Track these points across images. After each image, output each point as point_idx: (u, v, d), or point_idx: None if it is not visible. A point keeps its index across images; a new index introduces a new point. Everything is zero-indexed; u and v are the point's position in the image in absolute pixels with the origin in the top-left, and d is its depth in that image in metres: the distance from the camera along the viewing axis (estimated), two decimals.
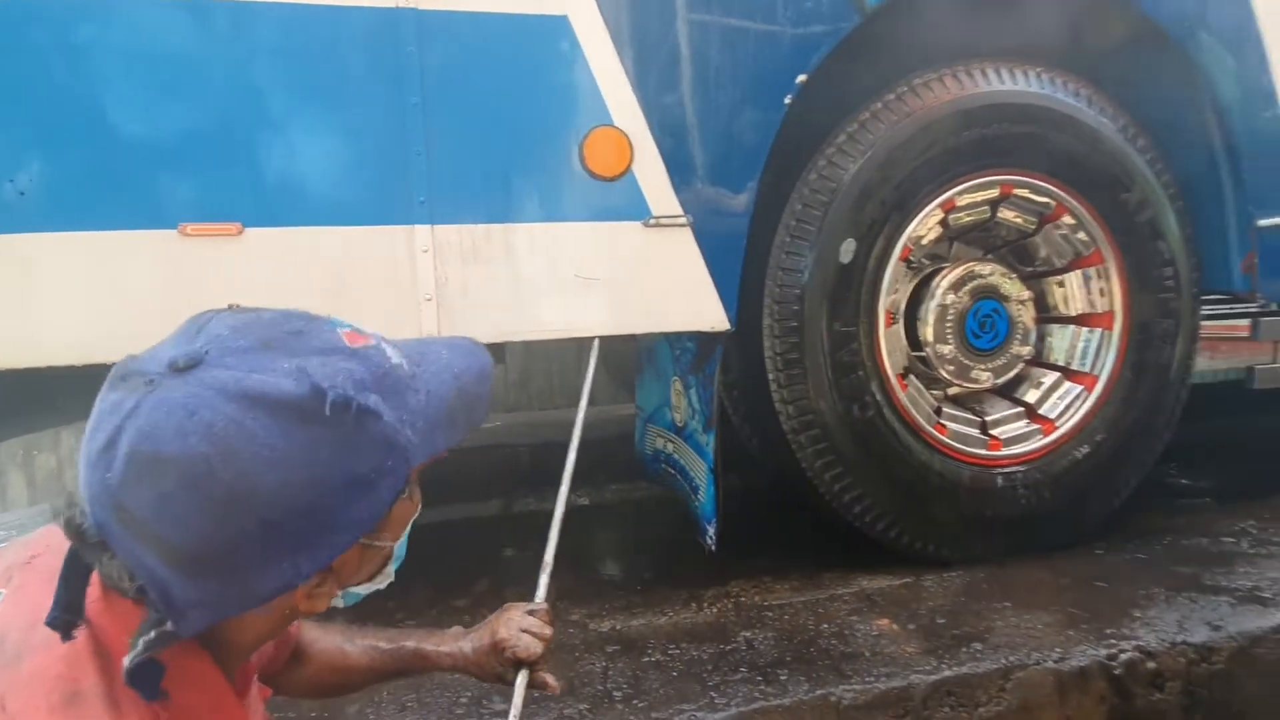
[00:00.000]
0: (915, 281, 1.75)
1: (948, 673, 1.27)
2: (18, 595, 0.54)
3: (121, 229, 1.28)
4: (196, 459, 0.47)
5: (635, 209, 1.47)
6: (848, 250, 1.59)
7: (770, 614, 1.53)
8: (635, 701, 1.22)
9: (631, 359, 3.04)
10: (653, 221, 1.47)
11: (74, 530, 0.51)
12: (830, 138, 1.60)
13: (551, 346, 4.42)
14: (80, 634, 0.51)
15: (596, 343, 2.01)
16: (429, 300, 1.40)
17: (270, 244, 1.33)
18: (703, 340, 1.66)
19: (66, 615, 0.50)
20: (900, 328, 1.72)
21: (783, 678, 1.27)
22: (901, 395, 1.66)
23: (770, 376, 1.62)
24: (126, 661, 0.49)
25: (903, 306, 1.72)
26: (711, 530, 1.63)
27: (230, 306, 0.56)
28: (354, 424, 0.52)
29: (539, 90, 1.43)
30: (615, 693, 1.25)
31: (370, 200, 1.37)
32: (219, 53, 1.30)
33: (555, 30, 1.41)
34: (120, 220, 1.28)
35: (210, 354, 0.50)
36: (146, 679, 0.50)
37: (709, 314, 1.52)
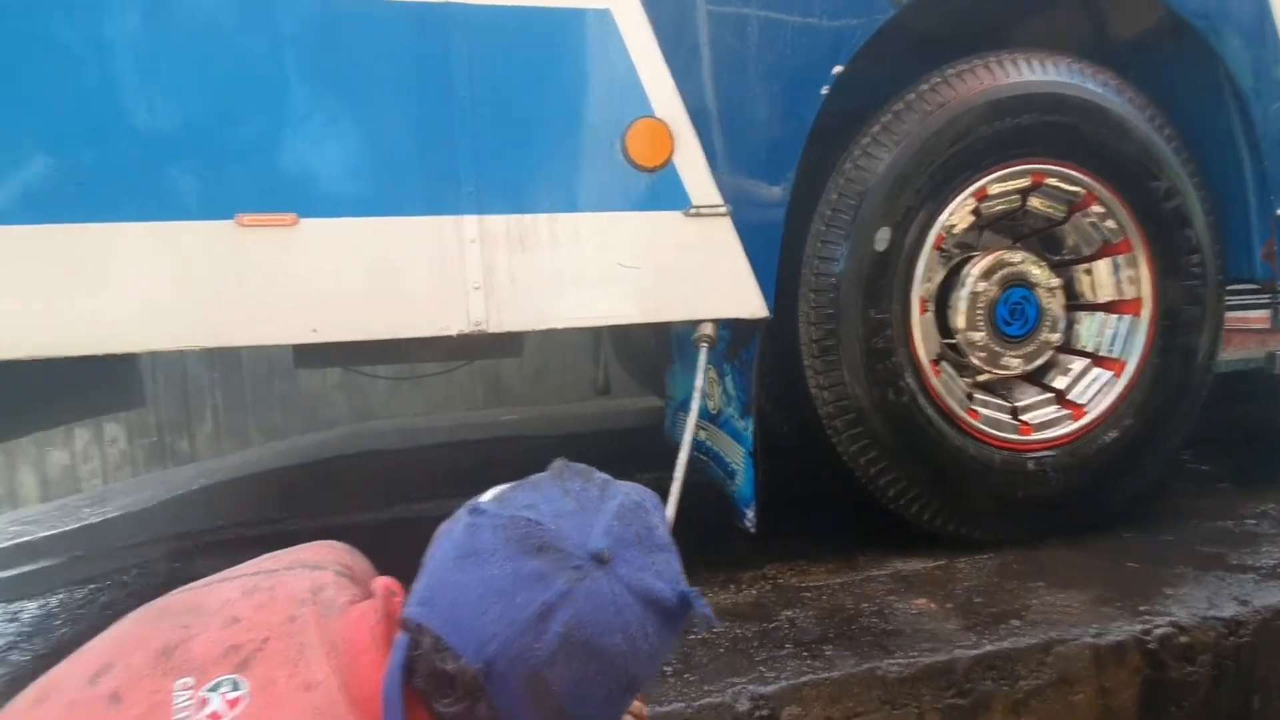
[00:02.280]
0: (946, 270, 1.78)
1: (989, 647, 1.31)
2: (270, 693, 0.56)
3: (180, 219, 1.31)
4: (617, 655, 0.59)
5: (675, 198, 1.50)
6: (883, 238, 1.61)
7: (808, 594, 1.57)
8: (686, 675, 1.26)
9: (648, 352, 3.08)
10: (693, 211, 1.50)
11: (437, 669, 0.57)
12: (865, 127, 1.63)
13: (568, 341, 4.45)
14: None
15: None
16: (477, 289, 1.43)
17: (324, 234, 1.36)
18: (739, 327, 1.69)
19: None
20: (932, 315, 1.74)
21: (828, 653, 1.31)
22: (935, 381, 1.69)
23: (805, 363, 1.65)
24: None
25: (934, 295, 1.75)
26: (751, 513, 1.66)
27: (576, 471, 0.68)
28: (685, 620, 0.65)
29: (582, 82, 1.46)
30: (665, 668, 1.28)
31: (419, 191, 1.40)
32: (274, 50, 1.33)
33: (598, 23, 1.44)
34: (179, 211, 1.31)
35: (614, 549, 0.61)
36: None
37: (748, 301, 1.55)
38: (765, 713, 1.19)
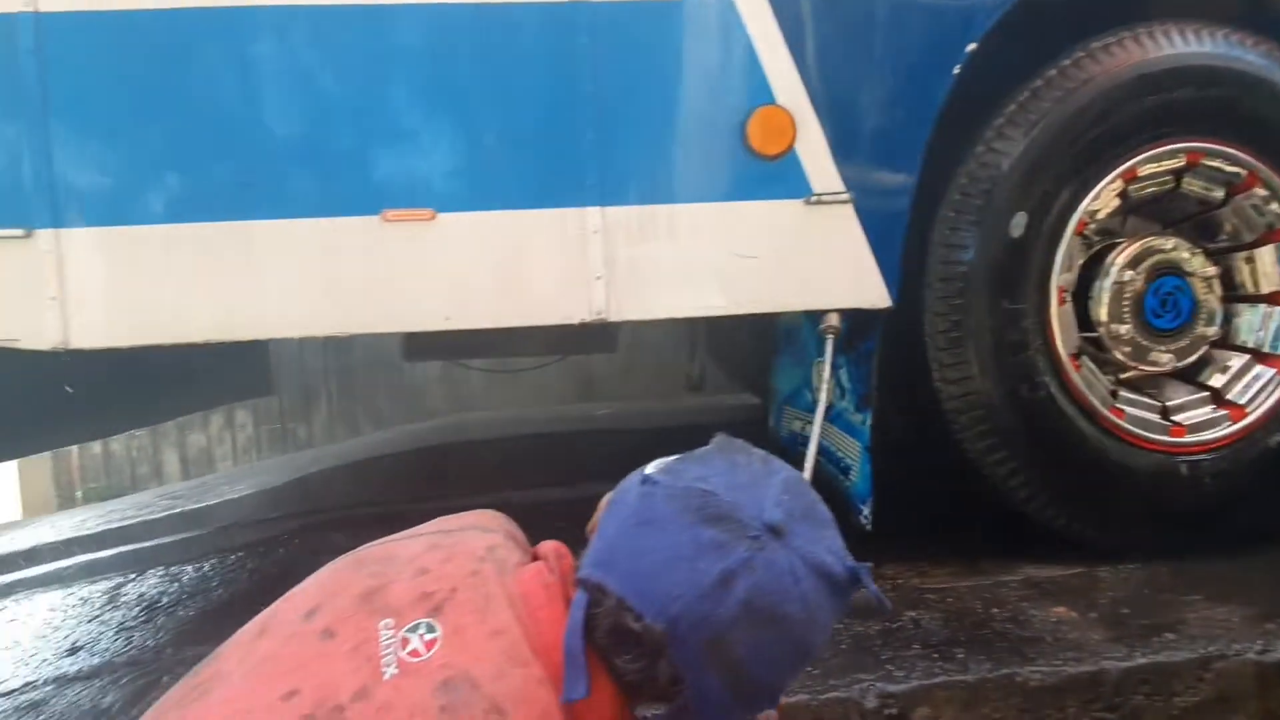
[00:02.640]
0: (1087, 258, 1.66)
1: (1141, 660, 1.21)
2: (461, 636, 0.61)
3: (332, 216, 1.42)
4: (796, 623, 0.62)
5: (797, 187, 1.48)
6: (1019, 225, 1.53)
7: (932, 596, 1.51)
8: (811, 670, 1.24)
9: (745, 349, 3.05)
10: (814, 199, 1.48)
11: (619, 626, 0.61)
12: (1000, 108, 1.55)
13: (658, 338, 4.49)
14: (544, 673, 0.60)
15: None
16: (599, 278, 1.47)
17: (458, 227, 1.44)
18: (858, 318, 1.65)
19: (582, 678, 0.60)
20: (1071, 307, 1.64)
21: (960, 656, 1.26)
22: (1075, 377, 1.58)
23: (931, 356, 1.58)
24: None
25: (1074, 285, 1.64)
26: (867, 509, 1.62)
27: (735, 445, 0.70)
28: (851, 596, 0.68)
29: (703, 72, 1.46)
30: None
31: (546, 184, 1.45)
32: (413, 61, 1.41)
33: (720, 12, 1.44)
34: (331, 208, 1.41)
35: (787, 522, 0.63)
36: None
37: (870, 291, 1.51)
38: (894, 711, 1.15)
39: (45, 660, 1.69)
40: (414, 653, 0.59)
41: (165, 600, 2.03)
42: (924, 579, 1.60)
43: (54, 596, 2.27)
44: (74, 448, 5.78)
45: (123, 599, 2.10)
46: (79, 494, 6.20)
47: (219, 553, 2.44)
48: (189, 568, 2.34)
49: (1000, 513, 1.63)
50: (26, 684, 1.55)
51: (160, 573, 2.33)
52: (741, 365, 3.22)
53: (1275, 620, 1.31)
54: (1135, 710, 1.20)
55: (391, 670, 0.58)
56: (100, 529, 3.25)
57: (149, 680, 1.47)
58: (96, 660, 1.62)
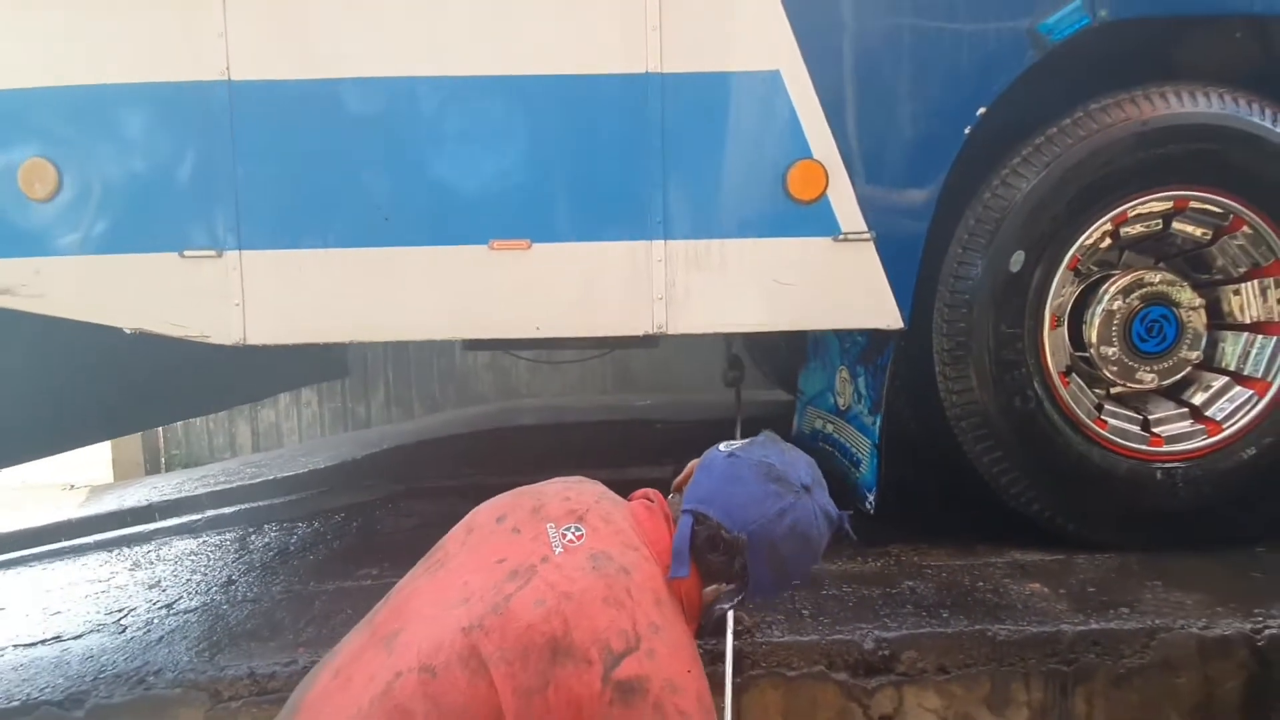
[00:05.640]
0: (1082, 286, 1.91)
1: (1095, 626, 1.49)
2: (597, 533, 1.00)
3: (451, 244, 1.78)
4: (814, 542, 1.06)
5: (827, 227, 1.78)
6: (1017, 261, 1.79)
7: (929, 570, 1.80)
8: (821, 618, 1.55)
9: (779, 352, 3.34)
10: (841, 237, 1.77)
11: (714, 536, 1.02)
12: (1006, 159, 1.81)
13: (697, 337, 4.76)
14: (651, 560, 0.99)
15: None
16: (660, 299, 1.79)
17: (548, 255, 1.78)
18: (876, 336, 1.94)
19: (685, 565, 1.00)
20: (1064, 329, 1.89)
21: (944, 615, 1.55)
22: (1063, 391, 1.84)
23: (937, 369, 1.86)
24: (726, 607, 1.05)
25: (1068, 309, 1.89)
26: (871, 497, 1.92)
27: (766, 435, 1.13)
28: (832, 537, 1.09)
29: (751, 130, 1.77)
30: (803, 611, 1.59)
31: (620, 221, 1.78)
32: (518, 118, 1.75)
33: (769, 83, 1.74)
34: (452, 238, 1.77)
35: (812, 485, 1.04)
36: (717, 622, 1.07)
37: (886, 314, 1.79)
38: (886, 652, 1.46)
39: (210, 587, 2.12)
40: (569, 543, 0.98)
41: (291, 547, 2.46)
42: (923, 557, 1.89)
43: (189, 544, 2.72)
44: None
45: (252, 546, 2.54)
46: (163, 460, 6.85)
47: (323, 514, 2.86)
48: (300, 525, 2.77)
49: (993, 507, 1.90)
50: (202, 604, 1.98)
51: (275, 528, 2.76)
52: (777, 367, 3.53)
53: (1225, 605, 1.56)
54: (1086, 667, 1.47)
55: (559, 550, 0.96)
56: (201, 491, 3.73)
57: (303, 604, 1.87)
58: (255, 589, 2.04)
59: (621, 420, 4.26)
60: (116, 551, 2.80)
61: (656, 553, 1.00)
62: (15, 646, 1.94)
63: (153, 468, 6.42)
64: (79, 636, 1.89)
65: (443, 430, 4.53)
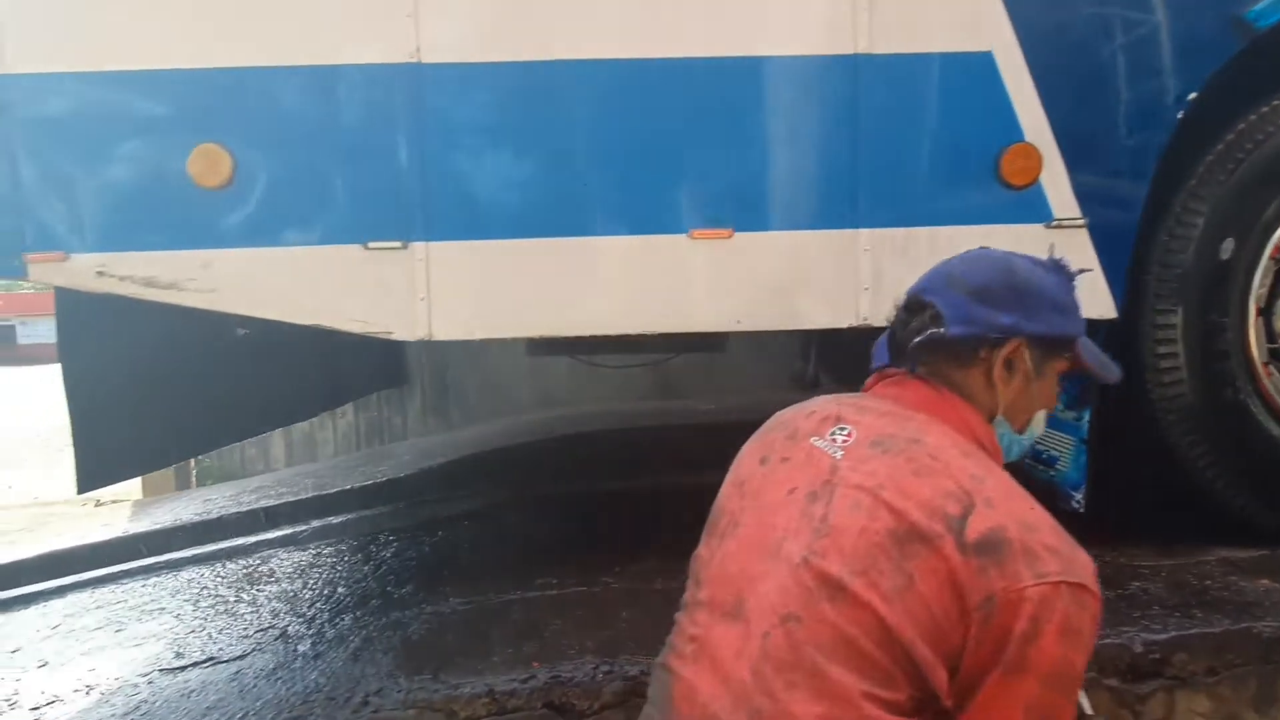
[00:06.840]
0: (1272, 279, 1.87)
1: None
2: (862, 423, 0.94)
3: (649, 234, 1.69)
4: (1039, 263, 1.02)
5: (1040, 213, 1.72)
6: (1227, 248, 1.75)
7: (1145, 571, 1.74)
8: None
9: (850, 353, 3.28)
10: (1054, 223, 1.72)
11: (919, 305, 1.02)
12: (1214, 144, 1.77)
13: (771, 341, 4.70)
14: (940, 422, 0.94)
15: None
16: (866, 289, 1.72)
17: (751, 244, 1.70)
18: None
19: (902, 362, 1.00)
20: (1262, 320, 1.85)
21: (1198, 615, 1.49)
22: (1266, 382, 1.80)
23: (1145, 360, 1.81)
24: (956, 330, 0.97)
25: (1265, 299, 1.85)
26: (1079, 495, 1.85)
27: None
28: (1067, 278, 1.02)
29: (961, 113, 1.70)
30: None
31: (825, 209, 1.71)
32: (718, 102, 1.67)
33: (980, 64, 1.68)
34: (649, 227, 1.69)
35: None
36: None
37: (1099, 304, 1.74)
38: (1157, 655, 1.40)
39: (367, 599, 2.00)
40: (844, 443, 0.92)
41: (429, 557, 2.34)
42: (1130, 558, 1.83)
43: (302, 555, 2.59)
44: None
45: (381, 557, 2.41)
46: (193, 474, 6.61)
47: (444, 522, 2.73)
48: (423, 534, 2.64)
49: (1193, 501, 1.84)
50: (369, 619, 1.86)
51: (394, 538, 2.63)
52: (852, 370, 3.45)
53: None
54: None
55: (839, 454, 0.91)
56: (279, 502, 3.58)
57: (497, 615, 1.74)
58: (424, 601, 1.91)
59: (679, 425, 4.19)
60: (217, 566, 2.66)
61: (928, 413, 0.94)
62: (161, 671, 1.81)
63: (183, 483, 6.19)
64: (242, 657, 1.76)
65: (505, 440, 4.42)
